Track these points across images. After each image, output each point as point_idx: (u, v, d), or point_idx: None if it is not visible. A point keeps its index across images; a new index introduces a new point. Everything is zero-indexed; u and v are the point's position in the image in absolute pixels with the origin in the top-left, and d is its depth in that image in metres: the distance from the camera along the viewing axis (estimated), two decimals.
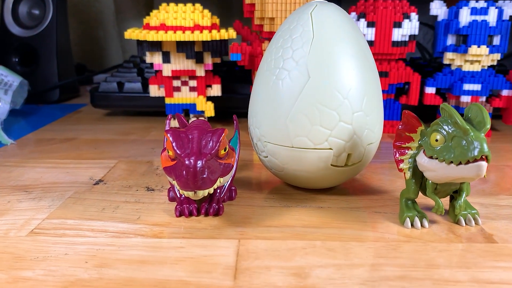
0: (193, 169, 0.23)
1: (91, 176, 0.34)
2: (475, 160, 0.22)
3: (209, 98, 0.48)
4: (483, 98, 0.45)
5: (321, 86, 0.26)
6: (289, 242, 0.24)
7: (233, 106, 0.50)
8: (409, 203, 0.26)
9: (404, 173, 0.26)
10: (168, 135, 0.24)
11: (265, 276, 0.21)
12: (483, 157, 0.22)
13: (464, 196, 0.25)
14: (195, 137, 0.24)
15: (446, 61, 0.45)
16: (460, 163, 0.22)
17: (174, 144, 0.24)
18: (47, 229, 0.25)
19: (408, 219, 0.26)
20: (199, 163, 0.23)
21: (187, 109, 0.47)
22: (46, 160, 0.38)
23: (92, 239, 0.24)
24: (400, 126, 0.26)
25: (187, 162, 0.23)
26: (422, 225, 0.26)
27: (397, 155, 0.26)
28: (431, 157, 0.24)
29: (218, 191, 0.28)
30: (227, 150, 0.25)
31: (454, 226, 0.26)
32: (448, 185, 0.25)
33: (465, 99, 0.45)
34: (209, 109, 0.46)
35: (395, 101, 0.46)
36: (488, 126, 0.22)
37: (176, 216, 0.27)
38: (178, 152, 0.24)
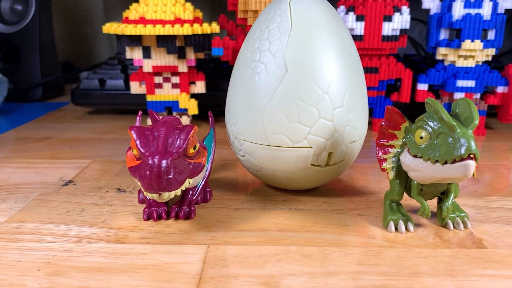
0: (157, 169, 0.21)
1: (61, 177, 0.32)
2: (462, 159, 0.20)
3: (193, 96, 0.46)
4: (478, 95, 0.43)
5: (300, 80, 0.25)
6: (262, 247, 0.22)
7: (219, 104, 0.48)
8: (394, 205, 0.25)
9: (387, 173, 0.24)
10: (132, 132, 0.22)
11: (231, 285, 0.19)
12: (471, 155, 0.20)
13: (452, 198, 0.24)
14: (161, 135, 0.22)
15: (439, 57, 0.43)
16: (446, 162, 0.20)
17: (138, 142, 0.22)
18: (3, 233, 0.24)
19: (392, 222, 0.24)
20: (164, 163, 0.21)
21: (170, 107, 0.45)
22: (17, 159, 0.36)
23: (50, 244, 0.22)
24: (383, 123, 0.24)
25: (150, 162, 0.21)
26: (407, 229, 0.24)
27: (380, 154, 0.24)
28: (415, 156, 0.22)
29: (191, 192, 0.26)
30: (197, 149, 0.23)
31: (442, 230, 0.24)
32: (434, 186, 0.23)
33: (459, 96, 0.43)
34: (192, 107, 0.44)
35: (386, 98, 0.45)
36: (477, 122, 0.21)
37: (144, 220, 0.25)
38: (142, 150, 0.22)
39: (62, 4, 0.79)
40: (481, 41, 0.41)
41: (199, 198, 0.27)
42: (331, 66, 0.25)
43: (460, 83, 0.43)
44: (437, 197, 0.25)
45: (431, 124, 0.21)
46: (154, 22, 0.40)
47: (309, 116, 0.25)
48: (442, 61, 0.44)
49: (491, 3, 0.41)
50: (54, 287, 0.19)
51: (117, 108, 0.52)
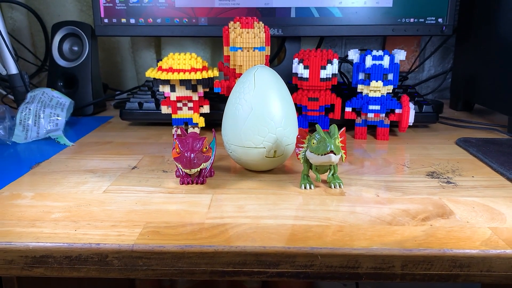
0: (189, 158, 0.46)
1: (129, 164, 0.56)
2: (328, 153, 0.44)
3: (202, 114, 0.71)
4: (383, 114, 0.68)
5: (259, 114, 0.49)
6: (239, 195, 0.47)
7: (219, 119, 0.72)
8: (305, 176, 0.49)
9: (300, 160, 0.48)
10: (176, 141, 0.47)
11: (223, 207, 0.43)
12: (332, 151, 0.44)
13: (332, 172, 0.48)
14: (190, 141, 0.47)
15: (359, 90, 0.68)
16: (321, 155, 0.45)
17: (179, 145, 0.47)
18: (111, 191, 0.48)
19: (303, 185, 0.48)
20: (192, 155, 0.46)
21: (187, 122, 0.70)
22: (98, 155, 0.60)
23: (136, 194, 0.47)
24: (298, 136, 0.49)
25: (186, 154, 0.46)
26: (310, 188, 0.48)
27: (297, 151, 0.49)
28: (311, 152, 0.46)
29: (203, 171, 0.51)
30: (207, 149, 0.48)
31: (328, 189, 0.49)
32: (323, 166, 0.48)
33: (371, 115, 0.68)
34: (201, 122, 0.69)
35: (325, 116, 0.69)
36: (336, 136, 0.45)
37: (180, 184, 0.49)
38: (182, 149, 0.46)
39: (99, 39, 1.03)
40: (382, 81, 0.66)
41: (208, 174, 0.51)
42: (275, 108, 0.50)
43: (371, 107, 0.67)
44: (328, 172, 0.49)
45: (317, 137, 0.46)
46: (178, 70, 0.64)
47: (263, 131, 0.49)
48: (361, 92, 0.69)
49: (389, 57, 0.66)
50: (145, 208, 0.43)
51: (150, 122, 0.76)
